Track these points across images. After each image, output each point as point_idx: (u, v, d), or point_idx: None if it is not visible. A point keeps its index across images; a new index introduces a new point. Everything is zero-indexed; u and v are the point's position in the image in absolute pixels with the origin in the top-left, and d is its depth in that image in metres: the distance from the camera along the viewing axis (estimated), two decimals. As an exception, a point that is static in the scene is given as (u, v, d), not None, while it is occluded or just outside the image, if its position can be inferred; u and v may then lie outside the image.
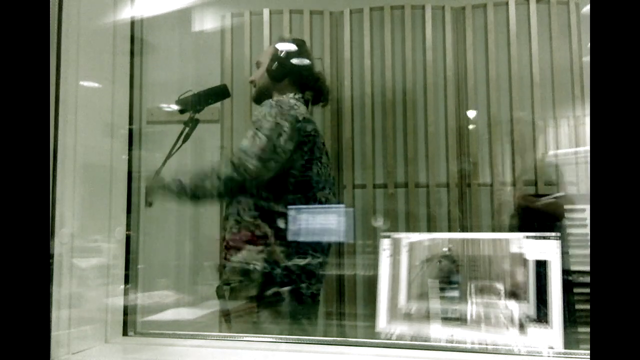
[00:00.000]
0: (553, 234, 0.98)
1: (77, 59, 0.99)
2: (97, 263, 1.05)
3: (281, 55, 1.73)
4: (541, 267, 0.96)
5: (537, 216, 1.76)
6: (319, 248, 1.59)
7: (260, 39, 2.39)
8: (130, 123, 1.15)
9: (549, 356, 0.90)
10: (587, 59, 2.22)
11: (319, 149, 1.63)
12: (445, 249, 1.05)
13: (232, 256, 1.57)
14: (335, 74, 2.37)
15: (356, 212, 2.30)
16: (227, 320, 1.57)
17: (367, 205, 2.30)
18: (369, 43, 2.37)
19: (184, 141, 1.63)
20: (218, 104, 2.18)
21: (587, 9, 2.19)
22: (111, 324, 1.07)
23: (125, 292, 1.11)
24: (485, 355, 0.92)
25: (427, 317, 1.00)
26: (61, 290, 0.94)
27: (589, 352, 0.61)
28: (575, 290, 1.31)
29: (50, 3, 0.91)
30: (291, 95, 1.68)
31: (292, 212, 1.56)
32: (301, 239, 1.56)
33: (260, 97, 1.72)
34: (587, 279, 0.64)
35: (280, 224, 1.55)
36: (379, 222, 2.28)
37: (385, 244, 1.09)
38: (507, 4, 2.29)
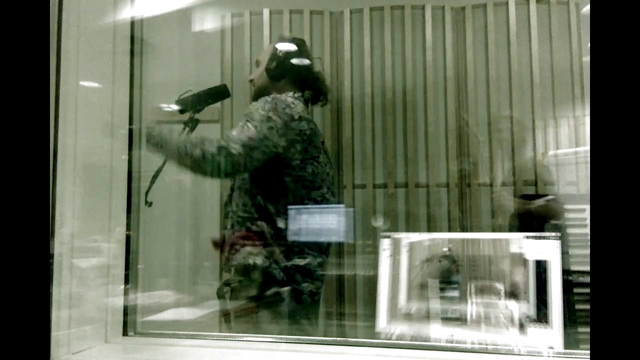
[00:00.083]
0: (553, 234, 0.98)
1: (77, 59, 0.99)
2: (97, 263, 1.05)
3: (280, 54, 1.73)
4: (541, 267, 0.96)
5: (531, 218, 1.77)
6: (316, 247, 1.59)
7: (260, 39, 2.39)
8: (130, 123, 1.15)
9: (549, 356, 0.90)
10: (587, 59, 2.22)
11: (315, 148, 1.62)
12: (445, 249, 1.05)
13: (230, 254, 1.57)
14: (335, 73, 2.38)
15: (356, 212, 2.30)
16: (227, 320, 1.57)
17: (367, 205, 2.31)
18: (369, 43, 2.37)
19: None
20: (218, 104, 2.18)
21: (587, 9, 2.19)
22: (111, 324, 1.07)
23: (125, 292, 1.11)
24: (485, 355, 0.92)
25: (427, 317, 1.00)
26: (61, 290, 0.94)
27: (589, 352, 0.61)
28: (575, 290, 1.31)
29: (50, 3, 0.91)
30: (290, 94, 1.67)
31: (290, 211, 1.55)
32: (299, 238, 1.55)
33: (259, 96, 1.72)
34: (584, 279, 0.64)
35: (278, 222, 1.54)
36: (379, 222, 2.28)
37: (385, 244, 1.09)
38: (507, 4, 2.29)
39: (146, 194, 1.43)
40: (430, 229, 2.27)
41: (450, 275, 1.02)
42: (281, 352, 1.02)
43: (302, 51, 1.77)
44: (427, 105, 2.31)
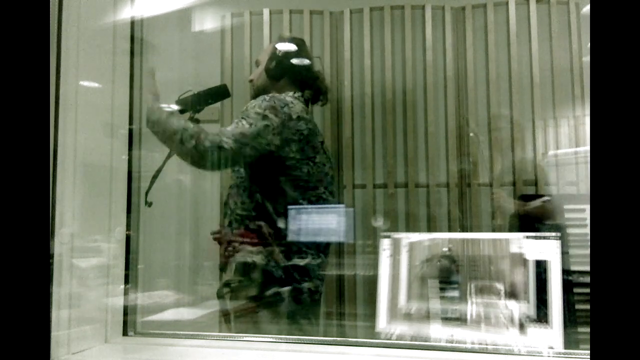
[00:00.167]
0: (553, 234, 0.98)
1: (77, 59, 0.99)
2: (97, 263, 1.05)
3: (279, 54, 1.73)
4: (541, 267, 0.96)
5: (528, 219, 1.77)
6: (313, 246, 1.59)
7: (260, 39, 2.39)
8: (130, 123, 1.15)
9: (549, 356, 0.90)
10: (587, 59, 2.22)
11: (312, 149, 1.61)
12: (445, 249, 1.05)
13: (227, 252, 1.57)
14: (335, 73, 2.38)
15: (356, 212, 2.30)
16: (227, 320, 1.57)
17: (367, 205, 2.31)
18: (369, 43, 2.37)
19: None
20: (218, 104, 2.18)
21: (587, 9, 2.19)
22: (111, 324, 1.07)
23: (125, 292, 1.11)
24: (485, 355, 0.92)
25: (427, 317, 1.00)
26: (61, 290, 0.94)
27: (589, 352, 0.61)
28: (575, 290, 1.31)
29: (50, 3, 0.91)
30: (290, 94, 1.67)
31: (290, 210, 1.55)
32: (297, 237, 1.55)
33: (258, 96, 1.72)
34: (584, 279, 0.64)
35: (276, 221, 1.54)
36: (379, 222, 2.28)
37: (385, 244, 1.09)
38: (507, 4, 2.29)
39: (146, 194, 1.43)
40: (430, 229, 2.27)
41: (450, 275, 1.02)
42: (281, 352, 1.02)
43: (301, 51, 1.77)
44: (427, 105, 2.30)
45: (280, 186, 1.56)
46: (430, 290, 1.02)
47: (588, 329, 0.62)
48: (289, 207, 1.56)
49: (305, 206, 1.58)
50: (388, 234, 1.10)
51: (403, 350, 0.98)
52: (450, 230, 2.26)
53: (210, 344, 1.06)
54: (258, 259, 1.52)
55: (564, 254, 0.98)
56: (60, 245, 0.95)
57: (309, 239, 1.57)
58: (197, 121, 1.64)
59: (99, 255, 1.06)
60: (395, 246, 1.08)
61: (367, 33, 2.37)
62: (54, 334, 0.92)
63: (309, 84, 1.74)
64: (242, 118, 1.53)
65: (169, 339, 1.08)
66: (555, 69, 2.23)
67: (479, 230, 2.26)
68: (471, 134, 2.24)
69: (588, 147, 0.66)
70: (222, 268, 1.61)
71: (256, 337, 1.11)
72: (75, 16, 0.99)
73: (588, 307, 0.63)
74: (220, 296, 1.59)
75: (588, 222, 1.11)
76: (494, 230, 2.27)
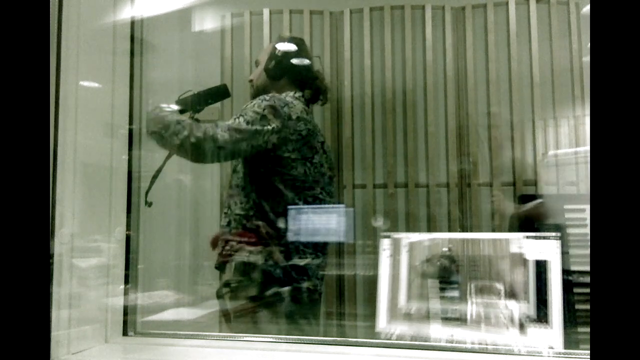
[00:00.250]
0: (553, 234, 0.98)
1: (77, 59, 0.99)
2: (97, 263, 1.05)
3: (279, 53, 1.73)
4: (541, 267, 0.96)
5: (525, 220, 1.78)
6: (312, 246, 1.59)
7: (260, 39, 2.39)
8: (130, 123, 1.15)
9: (549, 356, 0.90)
10: (587, 59, 2.22)
11: (310, 149, 1.61)
12: (445, 249, 1.05)
13: (224, 250, 1.57)
14: (335, 73, 2.38)
15: (356, 212, 2.30)
16: (227, 320, 1.57)
17: (367, 205, 2.31)
18: (369, 43, 2.37)
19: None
20: (218, 104, 2.18)
21: (587, 9, 2.19)
22: (111, 324, 1.07)
23: (125, 292, 1.11)
24: (485, 355, 0.92)
25: (427, 317, 1.00)
26: (61, 290, 0.94)
27: (589, 352, 0.61)
28: (575, 290, 1.31)
29: (50, 3, 0.91)
30: (290, 93, 1.67)
31: (289, 210, 1.55)
32: (297, 237, 1.55)
33: (258, 96, 1.72)
34: (584, 279, 0.64)
35: (274, 221, 1.54)
36: (379, 222, 2.28)
37: (385, 244, 1.09)
38: (507, 4, 2.29)
39: (146, 194, 1.43)
40: (430, 229, 2.27)
41: (450, 275, 1.02)
42: (281, 352, 1.02)
43: (301, 50, 1.77)
44: (427, 105, 2.30)
45: (276, 185, 1.56)
46: (430, 290, 1.02)
47: (588, 329, 0.62)
48: (288, 207, 1.56)
49: (304, 206, 1.58)
50: (388, 234, 1.10)
51: (403, 350, 0.98)
52: (450, 230, 2.26)
53: (210, 344, 1.06)
54: (256, 258, 1.52)
55: (564, 253, 0.98)
56: (60, 245, 0.95)
57: (308, 239, 1.57)
58: (197, 121, 1.64)
59: (99, 255, 1.06)
60: (395, 246, 1.08)
61: (367, 33, 2.37)
62: (54, 333, 0.92)
63: (309, 84, 1.74)
64: (240, 115, 1.53)
65: (169, 339, 1.08)
66: (555, 69, 2.23)
67: (479, 230, 2.26)
68: (474, 133, 2.24)
69: (588, 147, 0.66)
70: (218, 267, 1.61)
71: (256, 337, 1.11)
72: (75, 16, 0.99)
73: (588, 307, 0.63)
74: (219, 296, 1.59)
75: (588, 222, 1.11)
76: (494, 230, 2.27)
